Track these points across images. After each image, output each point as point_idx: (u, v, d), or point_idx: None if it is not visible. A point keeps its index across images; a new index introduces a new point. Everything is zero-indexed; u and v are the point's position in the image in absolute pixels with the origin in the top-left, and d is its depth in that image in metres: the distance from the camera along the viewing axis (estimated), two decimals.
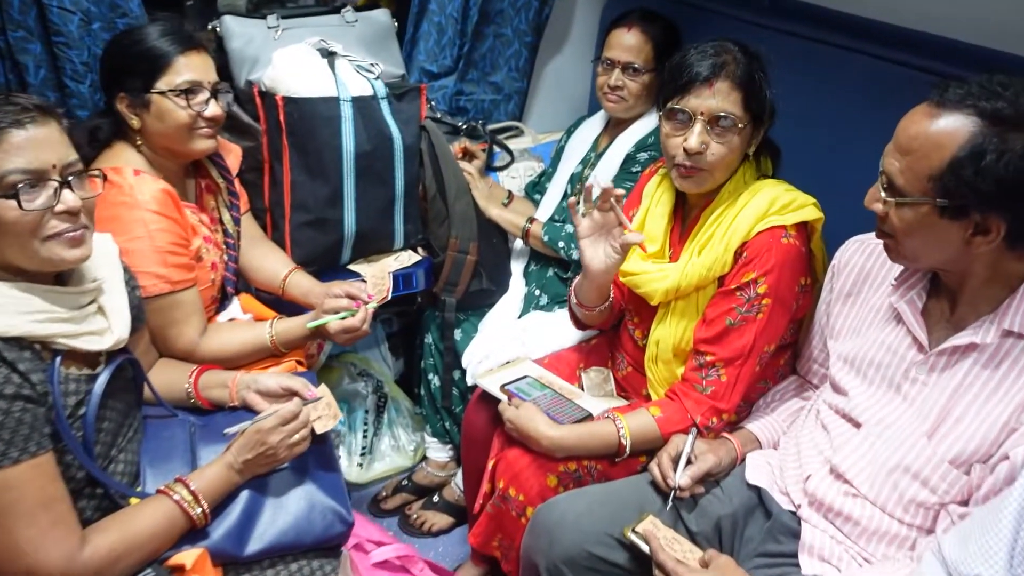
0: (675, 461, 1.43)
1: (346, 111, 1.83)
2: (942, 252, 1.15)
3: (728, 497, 1.43)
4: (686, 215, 1.60)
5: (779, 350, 1.55)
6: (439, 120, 2.26)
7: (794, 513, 1.36)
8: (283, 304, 1.82)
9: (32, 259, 1.12)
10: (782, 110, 1.49)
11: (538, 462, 1.51)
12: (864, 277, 1.39)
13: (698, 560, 1.27)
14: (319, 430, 1.37)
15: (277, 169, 1.87)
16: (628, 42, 1.98)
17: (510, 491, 1.52)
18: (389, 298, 1.93)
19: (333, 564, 1.33)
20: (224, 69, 1.90)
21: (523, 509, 1.51)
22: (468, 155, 2.20)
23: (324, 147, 1.83)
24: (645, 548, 1.31)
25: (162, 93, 1.51)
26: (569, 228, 1.98)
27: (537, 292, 2.10)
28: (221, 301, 1.76)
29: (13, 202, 1.07)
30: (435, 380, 2.18)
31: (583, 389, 1.74)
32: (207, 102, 1.56)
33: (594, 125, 2.20)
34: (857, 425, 1.32)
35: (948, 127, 1.07)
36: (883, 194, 1.15)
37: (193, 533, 1.22)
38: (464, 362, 2.02)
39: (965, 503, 1.18)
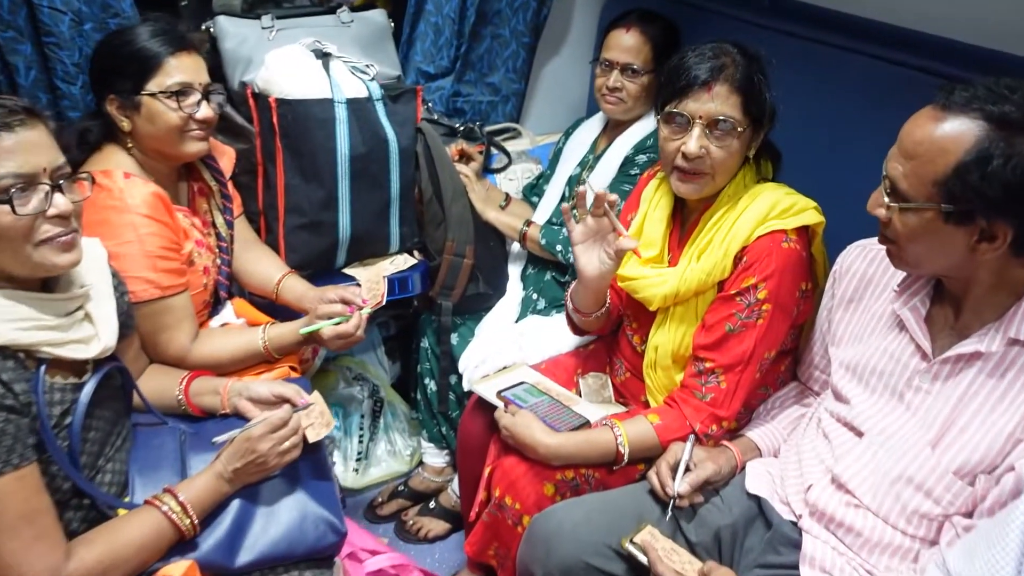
0: (674, 469, 1.40)
1: (341, 113, 1.80)
2: (946, 258, 1.13)
3: (728, 507, 1.41)
4: (685, 219, 1.58)
5: (779, 356, 1.53)
6: (436, 122, 2.24)
7: (795, 523, 1.34)
8: (277, 308, 1.79)
9: (24, 264, 1.10)
10: (782, 112, 1.47)
11: (535, 470, 1.49)
12: (866, 283, 1.36)
13: (697, 571, 1.26)
14: (311, 438, 1.35)
15: (271, 172, 1.85)
16: (627, 43, 1.96)
17: (506, 499, 1.50)
18: (384, 303, 1.91)
19: (326, 574, 1.31)
20: (218, 70, 1.89)
21: (519, 518, 1.49)
22: (465, 157, 2.18)
23: (318, 149, 1.80)
24: (643, 559, 1.29)
25: (152, 95, 1.49)
26: (567, 231, 1.96)
27: (534, 296, 2.08)
28: (214, 305, 1.74)
29: (6, 207, 1.05)
30: (431, 385, 2.16)
31: (580, 395, 1.72)
32: (198, 104, 1.53)
33: (592, 127, 2.17)
34: (859, 434, 1.30)
35: (954, 131, 1.05)
36: (886, 199, 1.13)
37: (182, 544, 1.20)
38: (460, 367, 2.00)
39: (969, 514, 1.15)
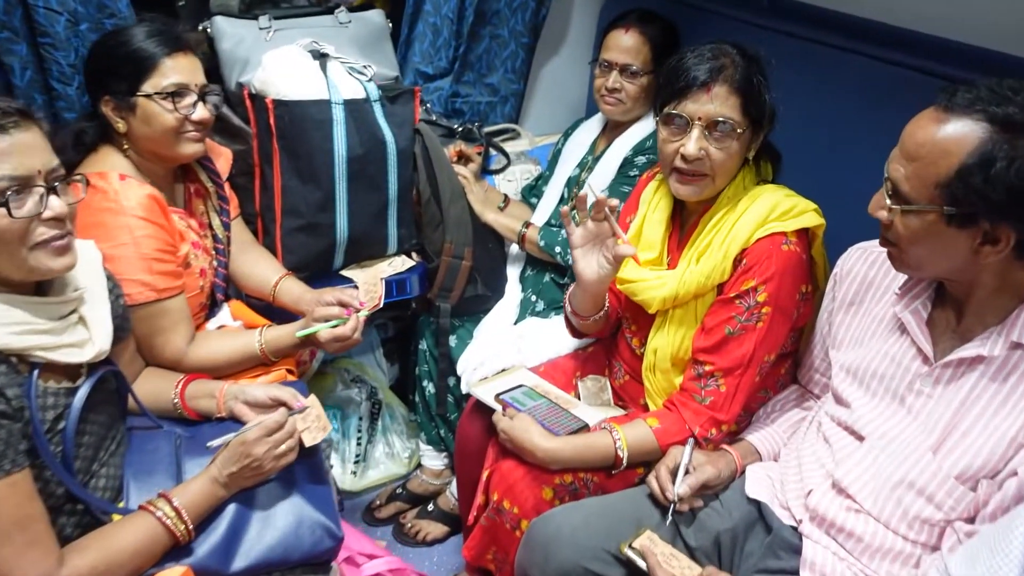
0: (673, 474, 1.39)
1: (338, 114, 1.79)
2: (949, 261, 1.12)
3: (728, 511, 1.40)
4: (684, 221, 1.57)
5: (779, 359, 1.52)
6: (434, 123, 2.23)
7: (795, 528, 1.33)
8: (274, 311, 1.78)
9: (20, 268, 1.09)
10: (782, 113, 1.46)
11: (533, 474, 1.48)
12: (867, 286, 1.35)
13: None
14: (307, 442, 1.34)
15: (267, 173, 1.83)
16: (626, 44, 1.95)
17: (504, 503, 1.49)
18: (381, 305, 1.90)
19: None
20: (215, 71, 1.88)
21: (518, 522, 1.48)
22: (463, 158, 2.17)
23: (315, 151, 1.79)
24: (642, 564, 1.28)
25: (148, 96, 1.48)
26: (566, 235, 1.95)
27: (533, 298, 2.07)
28: (211, 308, 1.73)
29: (2, 209, 1.04)
30: (430, 387, 2.15)
31: (579, 398, 1.71)
32: (194, 105, 1.52)
33: (591, 128, 2.16)
34: (860, 438, 1.29)
35: (956, 133, 1.04)
36: (888, 201, 1.12)
37: (177, 550, 1.19)
38: (459, 369, 1.99)
39: (971, 520, 1.14)
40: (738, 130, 1.40)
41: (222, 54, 1.86)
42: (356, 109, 1.83)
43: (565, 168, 2.14)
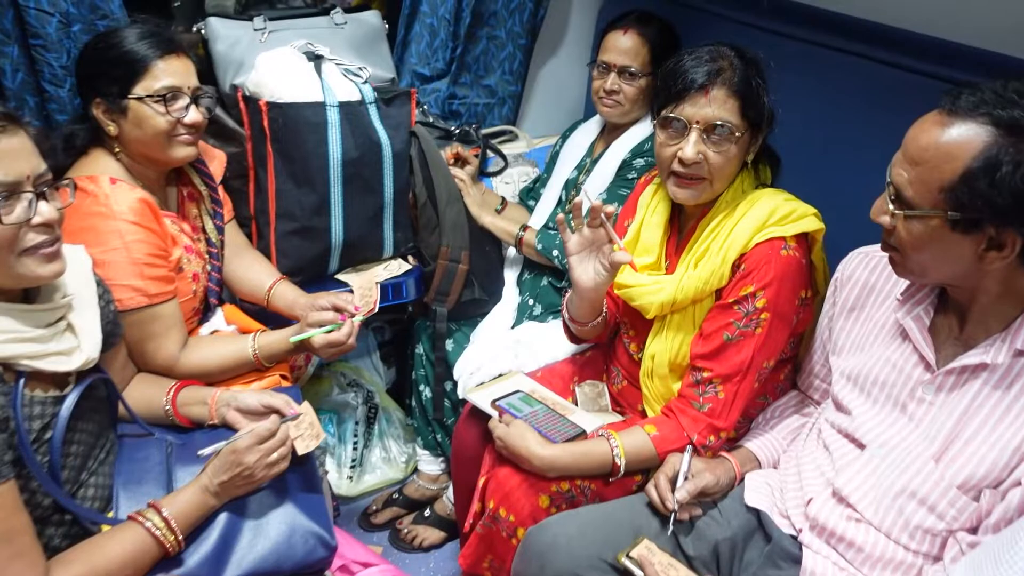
0: (672, 482, 1.37)
1: (332, 117, 1.77)
2: (952, 267, 1.10)
3: (726, 520, 1.38)
4: (682, 225, 1.55)
5: (779, 364, 1.50)
6: (431, 124, 2.22)
7: (795, 537, 1.31)
8: (268, 315, 1.77)
9: (7, 275, 1.08)
10: (781, 116, 1.45)
11: (529, 481, 1.46)
12: (868, 291, 1.34)
13: None
14: (300, 450, 1.32)
15: (261, 176, 1.82)
16: (624, 45, 1.93)
17: (500, 511, 1.47)
18: (376, 310, 1.88)
19: None
20: (210, 72, 1.86)
21: (514, 530, 1.46)
22: (460, 161, 2.15)
23: (310, 154, 1.77)
24: (640, 574, 1.27)
25: (140, 99, 1.46)
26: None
27: (531, 302, 2.05)
28: (204, 312, 1.71)
29: None
30: (426, 391, 2.13)
31: (577, 404, 1.69)
32: (187, 108, 1.50)
33: (590, 130, 2.15)
34: (860, 446, 1.27)
35: (961, 137, 1.02)
36: (891, 206, 1.10)
37: (167, 560, 1.16)
38: (456, 374, 1.97)
39: (974, 530, 1.13)
40: (736, 133, 1.38)
41: (216, 56, 1.85)
42: (351, 112, 1.81)
43: (563, 170, 2.13)
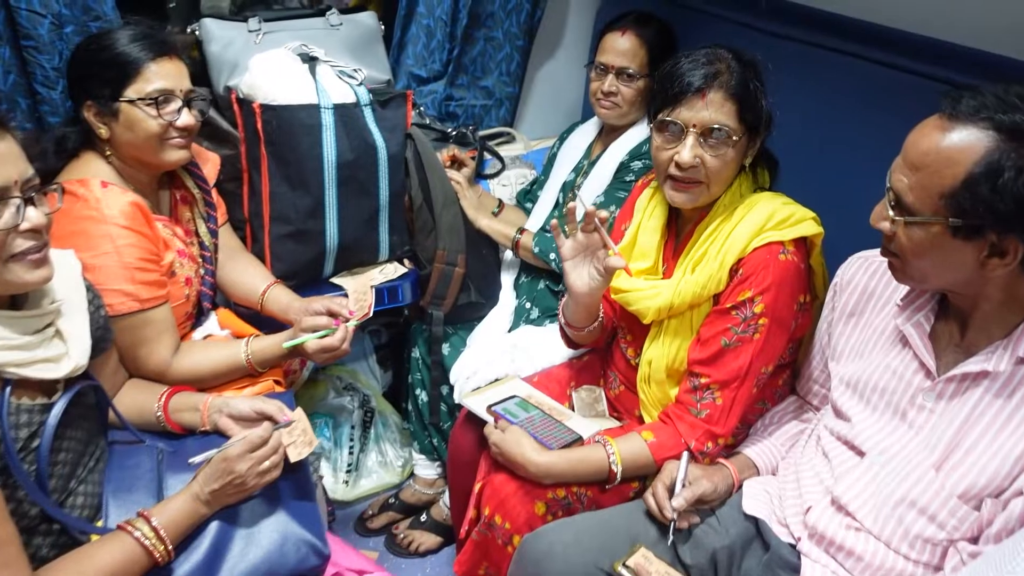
0: (670, 490, 1.36)
1: (327, 119, 1.76)
2: (953, 274, 1.08)
3: (724, 528, 1.36)
4: (680, 229, 1.54)
5: (777, 370, 1.49)
6: (428, 126, 2.20)
7: (794, 546, 1.29)
8: (262, 319, 1.75)
9: None
10: (779, 119, 1.44)
11: (525, 488, 1.44)
12: (868, 296, 1.32)
13: None
14: (293, 457, 1.30)
15: (255, 179, 1.80)
16: (622, 46, 1.91)
17: (496, 518, 1.45)
18: (371, 314, 1.86)
19: None
20: (204, 74, 1.84)
21: (509, 537, 1.44)
22: (457, 163, 2.13)
23: (304, 157, 1.76)
24: None
25: (131, 102, 1.44)
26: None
27: (528, 305, 2.03)
28: (197, 316, 1.69)
29: None
30: (423, 395, 2.11)
31: (573, 409, 1.67)
32: (179, 111, 1.48)
33: (587, 132, 2.13)
34: (860, 453, 1.25)
35: (962, 142, 1.00)
36: (891, 212, 1.08)
37: (157, 569, 1.15)
38: (452, 378, 1.96)
39: (975, 540, 1.11)
40: (734, 137, 1.37)
41: (210, 57, 1.83)
42: (346, 114, 1.79)
43: (560, 173, 2.11)
